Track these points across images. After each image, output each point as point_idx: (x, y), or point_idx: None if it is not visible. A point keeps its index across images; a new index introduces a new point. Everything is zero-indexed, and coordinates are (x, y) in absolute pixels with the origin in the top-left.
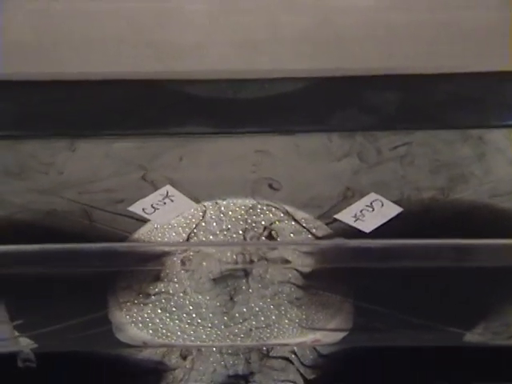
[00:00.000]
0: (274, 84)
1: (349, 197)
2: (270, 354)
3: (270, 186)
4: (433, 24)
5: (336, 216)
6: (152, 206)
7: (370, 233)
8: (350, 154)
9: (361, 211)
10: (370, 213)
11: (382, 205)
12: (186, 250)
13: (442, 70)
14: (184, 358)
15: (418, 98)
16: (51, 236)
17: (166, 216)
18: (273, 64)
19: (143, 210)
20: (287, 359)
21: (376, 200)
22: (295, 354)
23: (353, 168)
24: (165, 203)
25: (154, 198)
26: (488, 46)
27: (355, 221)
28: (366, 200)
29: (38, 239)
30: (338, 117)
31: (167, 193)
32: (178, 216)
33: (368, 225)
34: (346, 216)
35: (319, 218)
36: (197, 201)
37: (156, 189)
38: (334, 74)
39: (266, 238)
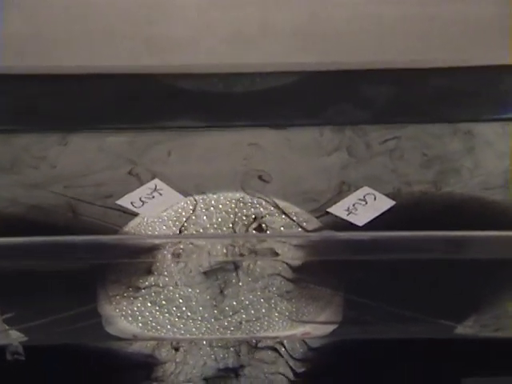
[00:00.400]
0: (265, 78)
1: (344, 191)
2: (259, 346)
3: (261, 179)
4: (425, 18)
5: (329, 210)
6: (140, 199)
7: (362, 226)
8: (340, 148)
9: (353, 205)
10: (363, 206)
11: (375, 198)
12: (176, 243)
13: (435, 64)
14: (176, 349)
15: (409, 92)
16: (40, 230)
17: (154, 209)
18: (264, 58)
19: (131, 203)
20: (277, 352)
21: (369, 193)
22: (285, 347)
23: (342, 162)
24: (153, 197)
25: (142, 191)
26: (483, 40)
27: (348, 214)
28: (358, 193)
29: (27, 233)
30: (329, 111)
31: (155, 186)
32: (166, 209)
33: (361, 218)
34: (338, 209)
35: (314, 211)
36: (186, 194)
37: (143, 183)
38: (326, 68)
39: (256, 229)
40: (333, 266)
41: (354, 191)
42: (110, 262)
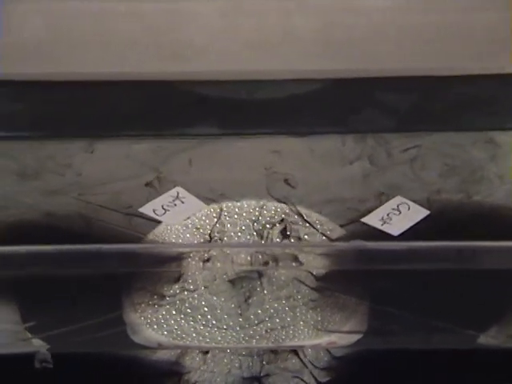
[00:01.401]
0: (286, 85)
1: (383, 201)
2: (284, 355)
3: (285, 186)
4: (444, 25)
5: (363, 219)
6: (162, 207)
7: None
8: (362, 156)
9: (387, 214)
10: (397, 216)
11: (409, 208)
12: (201, 252)
13: (452, 71)
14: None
15: (429, 99)
16: (64, 238)
17: (176, 217)
18: (285, 65)
19: (154, 211)
20: (301, 361)
21: (402, 203)
22: (309, 356)
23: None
24: (175, 204)
25: (164, 199)
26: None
27: (382, 224)
28: (392, 203)
29: (49, 240)
30: (350, 119)
31: (178, 194)
32: (188, 218)
33: (396, 228)
34: (373, 219)
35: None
36: (208, 202)
37: (160, 194)
38: (346, 76)
39: (280, 233)
40: (358, 274)
41: (387, 200)
42: (136, 270)
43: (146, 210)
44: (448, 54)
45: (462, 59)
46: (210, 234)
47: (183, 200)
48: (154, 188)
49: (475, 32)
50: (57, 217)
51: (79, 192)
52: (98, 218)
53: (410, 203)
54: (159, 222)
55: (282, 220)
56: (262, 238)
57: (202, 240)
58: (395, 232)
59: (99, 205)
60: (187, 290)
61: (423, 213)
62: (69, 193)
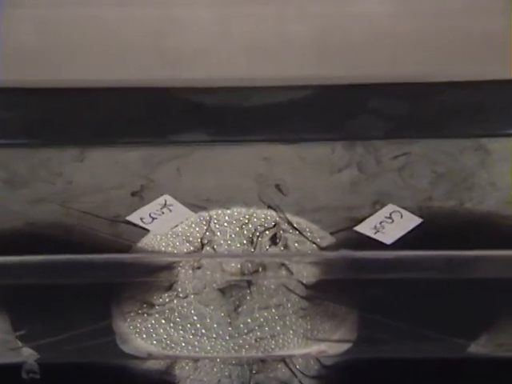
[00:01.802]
0: (279, 92)
1: (373, 208)
2: (274, 365)
3: (275, 194)
4: (440, 31)
5: (356, 228)
6: (150, 215)
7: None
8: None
9: (380, 223)
10: (390, 224)
11: (402, 216)
12: (190, 260)
13: (448, 78)
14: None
15: (422, 106)
16: (53, 246)
17: (163, 226)
18: (279, 71)
19: (141, 219)
20: (290, 370)
21: (395, 211)
22: (298, 365)
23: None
24: (163, 213)
25: (152, 207)
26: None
27: (375, 233)
28: (384, 211)
29: (39, 249)
30: (342, 125)
31: (165, 202)
32: (176, 226)
33: (389, 237)
34: (365, 228)
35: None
36: (198, 209)
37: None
38: (341, 82)
39: (270, 239)
40: (347, 283)
41: (380, 209)
42: (125, 280)
43: (134, 218)
44: (445, 59)
45: (459, 65)
46: (199, 242)
47: (171, 208)
48: (141, 197)
49: (472, 38)
50: (42, 225)
51: (67, 200)
52: (85, 225)
53: (403, 211)
54: (147, 230)
55: (272, 228)
56: (251, 246)
57: (191, 248)
58: (388, 240)
59: (87, 212)
60: (177, 299)
61: (416, 221)
62: (56, 201)
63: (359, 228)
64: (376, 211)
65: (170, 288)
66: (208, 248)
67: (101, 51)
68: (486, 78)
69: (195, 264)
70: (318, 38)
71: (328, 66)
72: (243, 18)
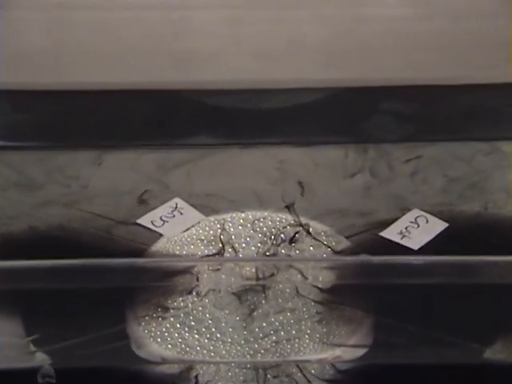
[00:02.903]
0: (293, 94)
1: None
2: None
3: (290, 197)
4: (456, 33)
5: (382, 233)
6: (161, 218)
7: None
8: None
9: (406, 228)
10: (416, 229)
11: (427, 220)
12: (205, 264)
13: (464, 80)
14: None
15: (437, 109)
16: (68, 249)
17: (174, 229)
18: (292, 74)
19: (152, 222)
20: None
21: (420, 216)
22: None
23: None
24: (174, 216)
25: (163, 210)
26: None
27: (402, 238)
28: (409, 216)
29: (51, 252)
30: (354, 129)
31: (176, 205)
32: (187, 229)
33: (416, 242)
34: (391, 233)
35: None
36: (212, 213)
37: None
38: (355, 85)
39: (285, 244)
40: (363, 288)
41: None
42: (141, 284)
43: (144, 221)
44: (456, 62)
45: (468, 68)
46: (214, 246)
47: (182, 211)
48: (146, 203)
49: (482, 40)
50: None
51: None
52: (98, 229)
53: (428, 216)
54: (159, 234)
55: (287, 231)
56: (266, 249)
57: (206, 252)
58: (415, 246)
59: (102, 215)
60: (192, 303)
61: (442, 225)
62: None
63: (385, 233)
64: (398, 215)
65: (184, 292)
66: (223, 252)
67: (113, 54)
68: (499, 80)
69: (209, 268)
70: (330, 41)
71: (339, 68)
72: (255, 21)
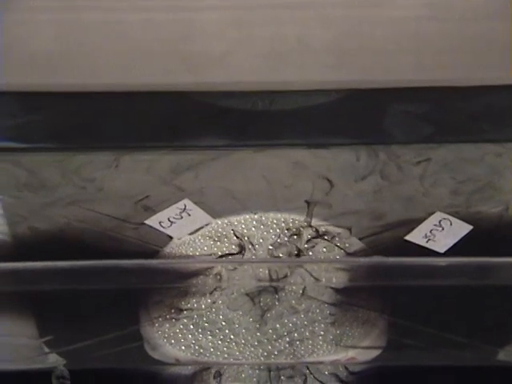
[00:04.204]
0: (301, 96)
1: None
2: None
3: (303, 199)
4: (463, 35)
5: (407, 237)
6: (169, 219)
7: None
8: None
9: (430, 231)
10: (440, 232)
11: (451, 223)
12: (219, 266)
13: (471, 82)
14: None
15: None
16: (81, 250)
17: (182, 230)
18: (300, 75)
19: (160, 223)
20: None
21: (444, 219)
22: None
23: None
24: (182, 217)
25: (171, 211)
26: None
27: (427, 241)
28: (433, 219)
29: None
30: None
31: (185, 206)
32: (196, 231)
33: (441, 245)
34: (416, 237)
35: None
36: (224, 214)
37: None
38: (363, 86)
39: (299, 246)
40: (377, 289)
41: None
42: (154, 285)
43: (153, 222)
44: (470, 64)
45: (476, 69)
46: (227, 248)
47: (190, 213)
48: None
49: (490, 42)
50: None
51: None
52: (112, 230)
53: (452, 218)
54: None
55: (300, 232)
56: (279, 251)
57: (219, 253)
58: (441, 249)
59: (116, 217)
60: (205, 304)
61: (466, 228)
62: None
63: (410, 237)
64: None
65: (198, 293)
66: (236, 254)
67: (121, 56)
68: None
69: (223, 269)
70: (339, 42)
71: (347, 70)
72: (264, 23)
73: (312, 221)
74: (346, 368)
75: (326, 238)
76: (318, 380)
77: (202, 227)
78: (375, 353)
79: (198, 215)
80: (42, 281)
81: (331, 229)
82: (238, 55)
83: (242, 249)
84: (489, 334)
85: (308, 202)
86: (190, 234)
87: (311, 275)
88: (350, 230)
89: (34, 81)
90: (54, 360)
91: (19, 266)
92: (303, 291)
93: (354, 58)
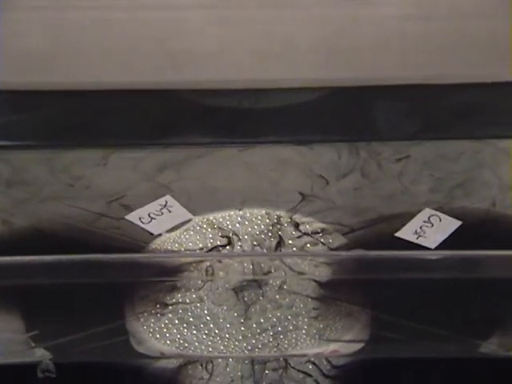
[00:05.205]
0: (288, 94)
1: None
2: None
3: (288, 195)
4: (450, 33)
5: (397, 234)
6: (149, 215)
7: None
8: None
9: (420, 228)
10: (430, 228)
11: (440, 219)
12: (203, 261)
13: (456, 79)
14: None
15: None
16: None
17: (161, 226)
18: (288, 74)
19: (140, 218)
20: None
21: (433, 215)
22: (314, 364)
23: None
24: (162, 213)
25: (152, 207)
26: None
27: (417, 238)
28: (422, 216)
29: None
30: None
31: (166, 202)
32: (175, 228)
33: (431, 241)
34: (407, 233)
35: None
36: (209, 211)
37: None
38: (350, 84)
39: (283, 241)
40: (360, 283)
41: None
42: (139, 280)
43: (133, 217)
44: (456, 61)
45: (465, 67)
46: (212, 243)
47: (170, 209)
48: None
49: (479, 40)
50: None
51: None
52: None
53: (441, 215)
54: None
55: (284, 228)
56: (264, 246)
57: (204, 249)
58: (431, 244)
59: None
60: (190, 299)
61: (455, 223)
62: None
63: (400, 234)
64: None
65: (182, 288)
66: (220, 249)
67: (110, 54)
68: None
69: (207, 264)
70: (325, 41)
71: (335, 68)
72: (251, 21)
73: (296, 217)
74: (329, 361)
75: (309, 233)
76: (301, 372)
77: (181, 224)
78: (358, 346)
79: (179, 212)
80: (27, 275)
81: (315, 225)
82: (225, 54)
83: (228, 242)
84: (472, 327)
85: (303, 195)
86: (168, 230)
87: (292, 270)
88: (333, 225)
89: (22, 79)
90: (40, 354)
91: (3, 260)
92: (281, 284)
93: (341, 56)
